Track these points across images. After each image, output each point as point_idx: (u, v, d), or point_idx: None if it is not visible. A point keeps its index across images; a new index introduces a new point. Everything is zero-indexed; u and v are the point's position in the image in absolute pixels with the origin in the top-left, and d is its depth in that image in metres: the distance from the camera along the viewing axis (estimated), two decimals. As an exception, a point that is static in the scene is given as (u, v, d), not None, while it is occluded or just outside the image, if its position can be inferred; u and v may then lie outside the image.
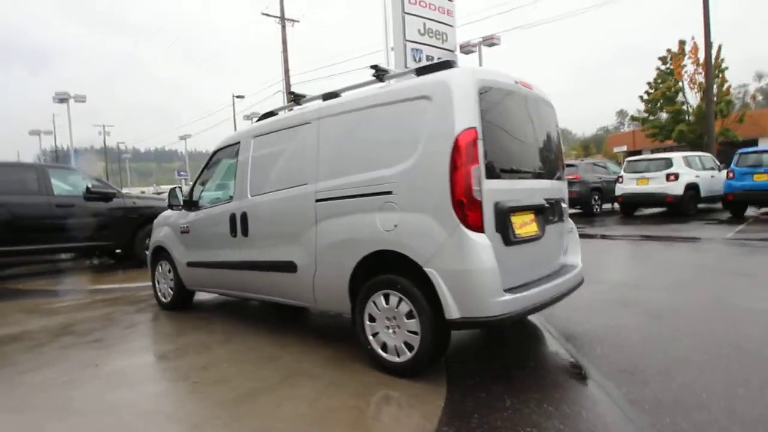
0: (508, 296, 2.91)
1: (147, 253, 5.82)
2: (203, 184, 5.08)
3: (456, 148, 2.89)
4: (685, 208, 13.34)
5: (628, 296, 4.97)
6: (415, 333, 3.07)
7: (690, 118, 24.25)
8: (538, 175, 3.53)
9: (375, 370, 3.26)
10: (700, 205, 14.01)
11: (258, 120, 4.56)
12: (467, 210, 2.87)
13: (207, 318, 5.00)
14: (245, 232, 4.24)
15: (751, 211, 13.12)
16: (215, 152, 4.92)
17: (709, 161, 14.90)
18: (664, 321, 4.12)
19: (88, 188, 8.30)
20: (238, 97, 38.94)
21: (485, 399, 2.81)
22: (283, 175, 4.01)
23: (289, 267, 3.85)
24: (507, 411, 2.65)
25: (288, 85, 29.72)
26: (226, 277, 4.55)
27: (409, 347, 3.12)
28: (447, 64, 3.17)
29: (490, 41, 21.69)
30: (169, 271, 5.39)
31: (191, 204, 5.08)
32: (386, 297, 3.22)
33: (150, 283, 5.80)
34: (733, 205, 12.70)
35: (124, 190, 12.22)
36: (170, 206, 5.18)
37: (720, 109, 22.58)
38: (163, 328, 4.75)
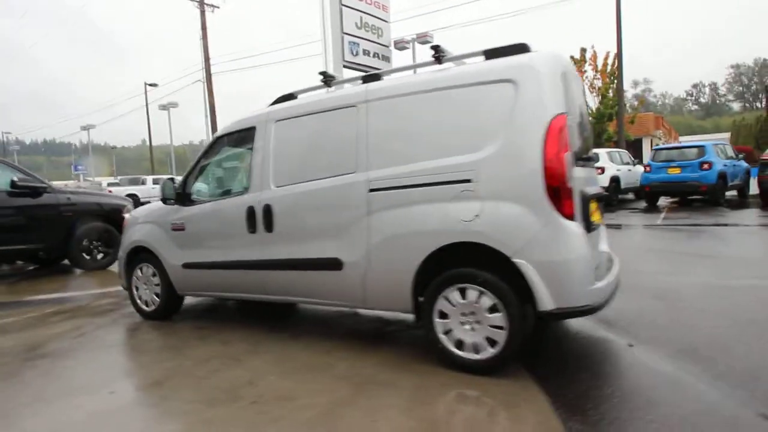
0: (598, 284, 2.88)
1: (120, 254, 5.00)
2: (201, 175, 4.47)
3: (549, 135, 2.79)
4: (608, 198, 14.59)
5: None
6: (499, 328, 2.93)
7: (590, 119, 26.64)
8: (588, 160, 3.55)
9: (446, 370, 3.06)
10: (620, 196, 15.45)
11: (272, 104, 4.09)
12: (563, 198, 2.78)
13: (206, 326, 4.42)
14: (269, 228, 3.79)
15: (662, 201, 14.71)
16: (217, 139, 4.33)
17: (626, 157, 16.49)
18: (674, 302, 4.40)
19: (13, 182, 7.00)
20: (151, 85, 35.70)
21: (583, 389, 2.76)
22: (320, 163, 3.63)
23: (331, 264, 3.50)
24: (614, 399, 2.62)
25: (209, 74, 27.87)
26: (240, 278, 4.05)
27: (492, 343, 2.97)
28: (522, 48, 3.04)
29: (424, 39, 21.98)
30: (154, 275, 4.69)
31: (185, 197, 4.45)
32: (462, 291, 3.04)
33: (105, 290, 5.02)
34: (649, 196, 14.16)
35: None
36: (164, 200, 4.48)
37: (615, 111, 25.13)
38: (159, 341, 4.10)
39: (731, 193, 14.21)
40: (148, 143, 42.61)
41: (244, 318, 4.76)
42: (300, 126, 3.77)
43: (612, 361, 3.22)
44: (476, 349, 3.02)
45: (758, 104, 72.09)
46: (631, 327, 3.75)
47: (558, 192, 2.77)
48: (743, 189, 14.30)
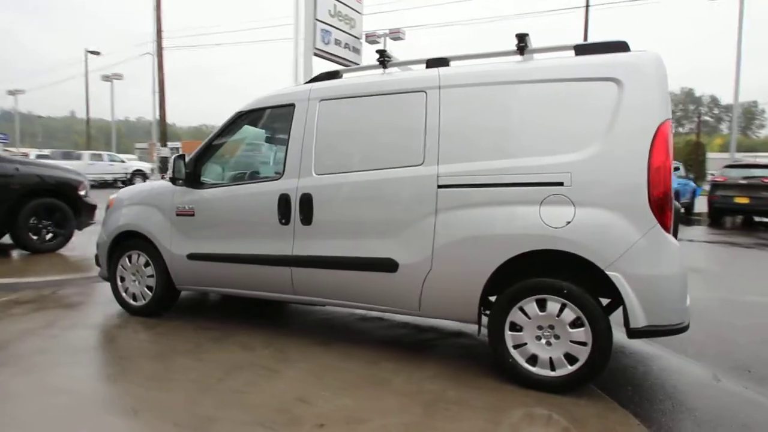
0: (687, 302, 2.75)
1: (103, 239, 4.28)
2: (216, 155, 3.89)
3: (657, 142, 2.60)
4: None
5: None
6: (582, 344, 2.72)
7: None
8: None
9: (514, 386, 2.82)
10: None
11: (310, 81, 3.63)
12: (666, 209, 2.61)
13: (212, 326, 3.85)
14: (307, 220, 3.34)
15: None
16: (242, 114, 3.77)
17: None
18: (698, 315, 4.44)
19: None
20: (91, 53, 32.52)
21: (669, 409, 2.62)
22: (376, 151, 3.24)
23: (383, 266, 3.12)
24: (708, 421, 2.50)
25: (160, 47, 25.91)
26: (262, 275, 3.55)
27: (571, 360, 2.75)
28: (621, 46, 2.84)
29: (396, 35, 21.77)
30: (147, 265, 4.05)
31: (196, 179, 3.87)
32: (540, 303, 2.80)
33: (66, 277, 4.29)
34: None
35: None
36: (173, 180, 3.85)
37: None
38: (163, 343, 3.48)
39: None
40: (77, 115, 39.07)
41: (246, 316, 4.24)
42: (352, 108, 3.35)
43: (680, 380, 3.10)
44: (552, 366, 2.80)
45: (680, 128, 78.65)
46: (670, 342, 3.68)
47: (662, 203, 2.60)
48: (689, 207, 15.25)
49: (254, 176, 3.85)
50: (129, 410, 2.47)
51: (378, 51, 3.39)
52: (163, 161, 26.35)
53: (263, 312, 4.38)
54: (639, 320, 2.61)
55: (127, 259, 4.15)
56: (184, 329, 3.79)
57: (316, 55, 15.49)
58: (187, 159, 3.82)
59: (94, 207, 7.64)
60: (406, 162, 3.11)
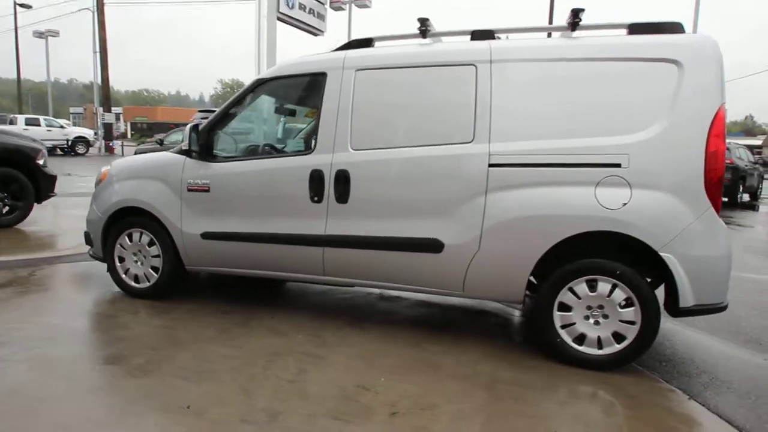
0: (729, 282, 2.87)
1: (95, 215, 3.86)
2: (233, 125, 3.57)
3: (714, 126, 2.63)
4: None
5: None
6: (630, 323, 2.79)
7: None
8: None
9: (562, 366, 2.86)
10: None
11: (339, 49, 3.36)
12: (719, 193, 2.67)
13: (229, 308, 3.62)
14: (342, 198, 3.15)
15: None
16: (262, 82, 3.45)
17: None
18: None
19: None
20: (21, 5, 29.06)
21: (707, 383, 2.76)
22: (420, 127, 3.08)
23: (427, 246, 3.03)
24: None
25: (101, 2, 23.65)
26: (287, 255, 3.34)
27: (618, 338, 2.82)
28: (676, 27, 2.82)
29: (362, 2, 21.03)
30: (151, 244, 3.72)
31: (208, 151, 3.54)
32: (590, 283, 2.82)
33: (39, 256, 3.89)
34: None
35: None
36: (188, 152, 3.49)
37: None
38: (183, 329, 3.19)
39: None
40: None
41: (258, 297, 4.03)
42: (392, 79, 3.15)
43: (704, 353, 3.24)
44: (600, 344, 2.86)
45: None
46: (695, 320, 3.71)
47: (717, 186, 2.66)
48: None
49: (278, 150, 3.59)
50: (182, 407, 2.26)
51: (419, 19, 3.19)
52: (107, 127, 24.48)
53: (271, 291, 4.19)
54: (688, 300, 2.70)
55: (127, 238, 3.79)
56: (201, 313, 3.54)
57: (279, 19, 14.76)
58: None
59: (54, 178, 6.95)
60: (454, 139, 2.99)
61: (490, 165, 2.90)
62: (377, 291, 4.19)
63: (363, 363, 2.81)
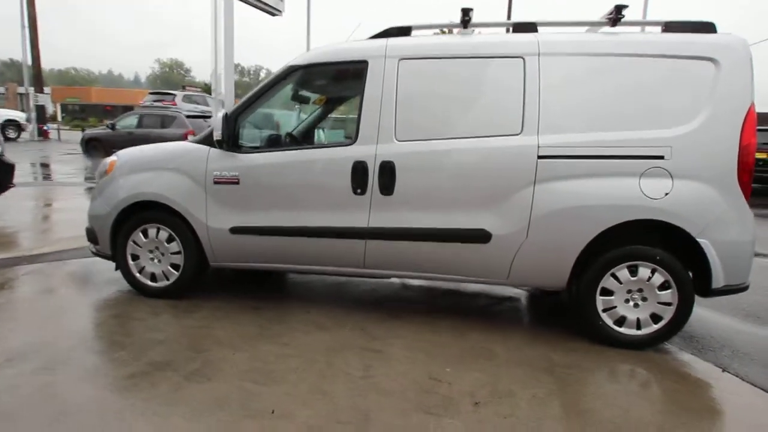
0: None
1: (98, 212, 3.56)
2: (262, 115, 3.39)
3: (747, 122, 2.83)
4: None
5: None
6: (667, 304, 2.98)
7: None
8: None
9: (605, 348, 3.02)
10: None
11: (377, 36, 3.27)
12: (749, 182, 2.90)
13: (255, 304, 3.47)
14: (387, 190, 3.11)
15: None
16: (295, 69, 3.29)
17: None
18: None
19: None
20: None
21: (731, 355, 3.02)
22: (468, 118, 3.08)
23: (476, 237, 3.07)
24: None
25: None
26: (328, 248, 3.26)
27: (656, 319, 3.02)
28: (709, 26, 2.99)
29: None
30: (170, 240, 3.50)
31: (236, 142, 3.36)
32: (631, 268, 2.99)
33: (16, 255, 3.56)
34: None
35: None
36: (213, 142, 3.26)
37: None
38: (223, 329, 3.03)
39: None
40: None
41: (280, 290, 3.92)
42: (438, 69, 3.12)
43: (716, 327, 3.50)
44: (639, 326, 3.05)
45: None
46: (713, 303, 3.90)
47: (748, 177, 2.88)
48: None
49: (313, 140, 3.46)
50: (266, 411, 2.18)
51: (463, 9, 3.17)
52: (40, 110, 22.39)
53: (288, 284, 4.09)
54: (719, 281, 2.93)
55: (141, 235, 3.54)
56: (230, 310, 3.39)
57: (238, -2, 14.05)
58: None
59: (12, 167, 6.32)
60: (502, 131, 3.03)
61: (539, 156, 2.97)
62: (398, 281, 4.20)
63: (422, 355, 2.82)
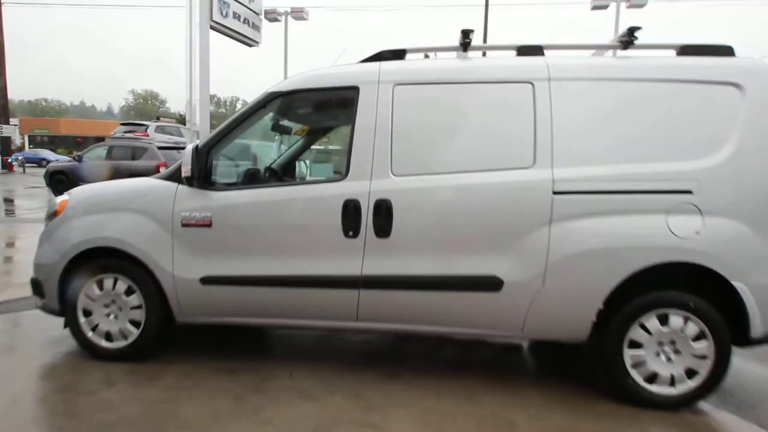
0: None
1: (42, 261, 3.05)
2: (238, 147, 2.99)
3: None
4: None
5: None
6: (702, 357, 2.63)
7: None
8: None
9: (635, 409, 2.63)
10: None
11: (368, 60, 2.95)
12: None
13: (228, 366, 2.98)
14: (383, 232, 2.72)
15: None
16: (276, 96, 2.93)
17: None
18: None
19: None
20: None
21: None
22: (473, 149, 2.74)
23: (485, 284, 2.68)
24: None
25: (-5, -4, 20.89)
26: (315, 300, 2.83)
27: (691, 374, 2.65)
28: (726, 50, 2.76)
29: (299, 14, 20.46)
30: (130, 293, 3.00)
31: (208, 178, 2.94)
32: (661, 317, 2.64)
33: None
34: None
35: None
36: (181, 178, 2.82)
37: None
38: (192, 403, 2.53)
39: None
40: None
41: (250, 346, 3.43)
42: (438, 96, 2.79)
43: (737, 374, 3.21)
44: (672, 382, 2.68)
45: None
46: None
47: None
48: None
49: (298, 176, 3.07)
50: None
51: (463, 31, 2.88)
52: (5, 141, 21.45)
53: (264, 338, 3.60)
54: (758, 329, 2.59)
55: (95, 286, 3.03)
56: (200, 376, 2.88)
57: (212, 28, 13.86)
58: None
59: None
60: (512, 163, 2.70)
61: (555, 192, 2.64)
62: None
63: (432, 430, 2.38)
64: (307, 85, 2.96)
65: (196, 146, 2.84)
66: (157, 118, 22.82)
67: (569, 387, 2.91)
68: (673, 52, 2.85)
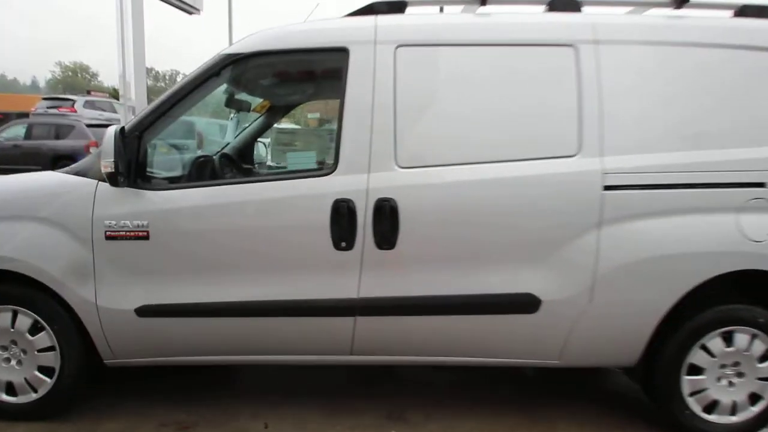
0: None
1: None
2: (184, 128, 2.19)
3: None
4: None
5: None
6: (765, 379, 2.21)
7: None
8: None
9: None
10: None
11: (358, 13, 2.22)
12: None
13: (179, 417, 2.29)
14: (386, 241, 2.05)
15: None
16: (234, 60, 2.13)
17: None
18: None
19: None
20: None
21: None
22: (501, 133, 2.11)
23: (519, 304, 2.11)
24: None
25: None
26: (297, 331, 2.15)
27: (754, 400, 2.23)
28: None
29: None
30: (36, 331, 2.18)
31: (141, 172, 2.14)
32: (725, 336, 2.18)
33: None
34: None
35: None
36: (108, 176, 1.99)
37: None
38: None
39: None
40: None
41: (208, 386, 2.72)
42: (453, 62, 2.12)
43: None
44: (733, 410, 2.25)
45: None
46: None
47: None
48: None
49: (270, 169, 2.33)
50: None
51: (484, -24, 2.20)
52: None
53: (233, 373, 2.88)
54: (832, 346, 2.21)
55: (-20, 325, 2.19)
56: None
57: (148, -8, 12.39)
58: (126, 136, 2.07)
59: None
60: (550, 151, 2.10)
61: (606, 187, 2.08)
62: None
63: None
64: (276, 46, 2.18)
65: (122, 129, 2.02)
66: (88, 93, 20.73)
67: (614, 415, 2.42)
68: (729, 13, 2.34)
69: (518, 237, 2.11)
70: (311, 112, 3.05)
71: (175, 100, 2.17)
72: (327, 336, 2.19)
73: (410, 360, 2.31)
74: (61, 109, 14.70)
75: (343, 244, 2.08)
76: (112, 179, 2.01)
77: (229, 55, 2.16)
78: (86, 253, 2.13)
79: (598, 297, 2.12)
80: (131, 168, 2.11)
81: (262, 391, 2.63)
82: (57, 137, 11.28)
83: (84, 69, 73.48)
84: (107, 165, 1.95)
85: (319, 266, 2.12)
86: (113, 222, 2.11)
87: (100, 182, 2.13)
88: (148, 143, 2.20)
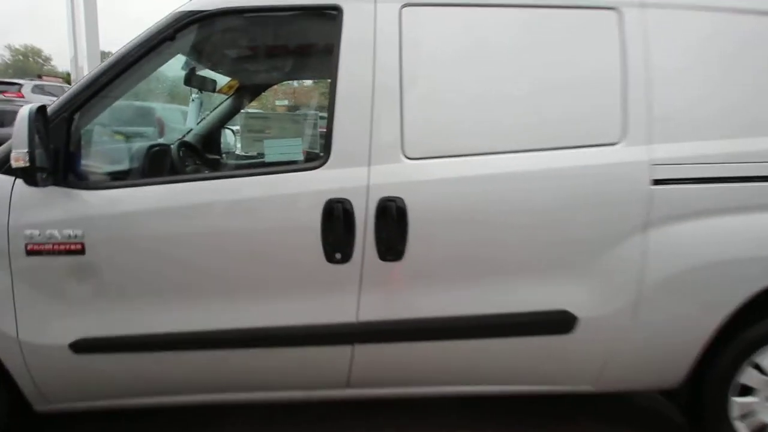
0: None
1: None
2: (128, 109, 1.70)
3: None
4: None
5: None
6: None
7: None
8: None
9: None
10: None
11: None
12: None
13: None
14: (392, 251, 1.64)
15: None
16: (196, 19, 1.65)
17: None
18: None
19: None
20: None
21: None
22: (530, 116, 1.73)
23: (551, 323, 1.75)
24: None
25: None
26: (279, 364, 1.74)
27: (801, 424, 1.97)
28: None
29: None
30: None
31: (72, 166, 1.65)
32: (777, 353, 1.90)
33: None
34: None
35: None
36: (23, 172, 1.48)
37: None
38: None
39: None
40: None
41: (168, 422, 2.26)
42: (472, 27, 1.72)
43: None
44: (780, 436, 1.98)
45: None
46: None
47: None
48: None
49: (239, 159, 1.87)
50: None
51: None
52: None
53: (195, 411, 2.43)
54: None
55: None
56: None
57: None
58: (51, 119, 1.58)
59: None
60: (589, 138, 1.73)
61: (655, 182, 1.74)
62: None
63: None
64: (249, 2, 1.72)
65: (42, 109, 1.52)
66: (39, 77, 19.30)
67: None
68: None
69: (549, 240, 1.74)
70: (285, 94, 2.57)
71: (117, 71, 1.66)
72: (318, 369, 1.78)
73: (419, 392, 1.92)
74: (6, 94, 13.55)
75: (338, 256, 1.66)
76: (29, 176, 1.51)
77: (188, 13, 1.66)
78: (1, 273, 1.64)
79: (642, 312, 1.78)
80: (59, 160, 1.62)
81: (240, 427, 2.19)
82: (1, 124, 10.31)
83: (36, 53, 68.98)
84: (19, 158, 1.44)
85: (309, 284, 1.69)
86: (36, 232, 1.61)
87: (17, 181, 1.64)
88: (82, 128, 1.71)
